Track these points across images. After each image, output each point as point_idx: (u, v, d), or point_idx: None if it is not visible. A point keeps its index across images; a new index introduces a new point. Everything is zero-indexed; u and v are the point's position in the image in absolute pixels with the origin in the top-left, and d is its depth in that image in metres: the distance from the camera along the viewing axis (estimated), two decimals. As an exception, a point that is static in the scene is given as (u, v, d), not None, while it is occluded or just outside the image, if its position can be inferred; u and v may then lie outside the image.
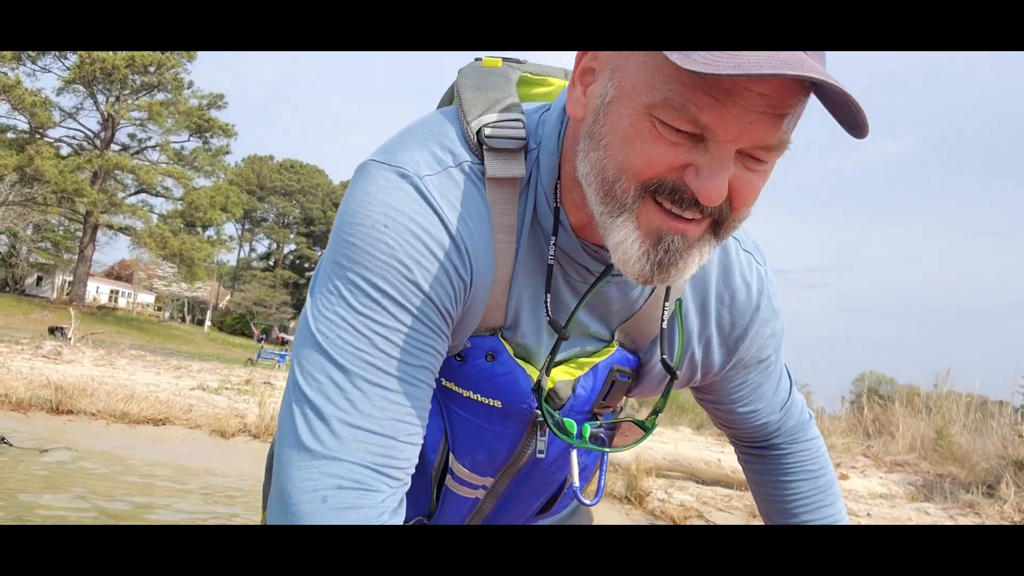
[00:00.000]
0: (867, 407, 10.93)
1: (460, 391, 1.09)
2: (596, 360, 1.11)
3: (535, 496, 1.27)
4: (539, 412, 1.07)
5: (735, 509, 6.11)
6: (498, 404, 1.09)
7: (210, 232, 52.75)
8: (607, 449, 1.14)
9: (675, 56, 0.77)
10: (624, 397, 1.20)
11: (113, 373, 10.31)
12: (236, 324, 64.41)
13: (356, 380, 0.90)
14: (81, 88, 45.47)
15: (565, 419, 1.10)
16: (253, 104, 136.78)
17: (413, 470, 0.94)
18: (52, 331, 22.19)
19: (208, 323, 63.24)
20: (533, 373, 1.07)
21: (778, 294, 1.20)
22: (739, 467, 5.49)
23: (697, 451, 7.47)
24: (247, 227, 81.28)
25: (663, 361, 1.09)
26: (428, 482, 1.18)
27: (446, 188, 0.96)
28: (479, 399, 1.09)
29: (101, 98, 46.36)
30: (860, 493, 7.13)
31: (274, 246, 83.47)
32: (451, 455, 1.16)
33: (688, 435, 9.69)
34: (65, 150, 47.07)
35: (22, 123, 44.48)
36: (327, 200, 79.59)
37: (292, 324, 72.00)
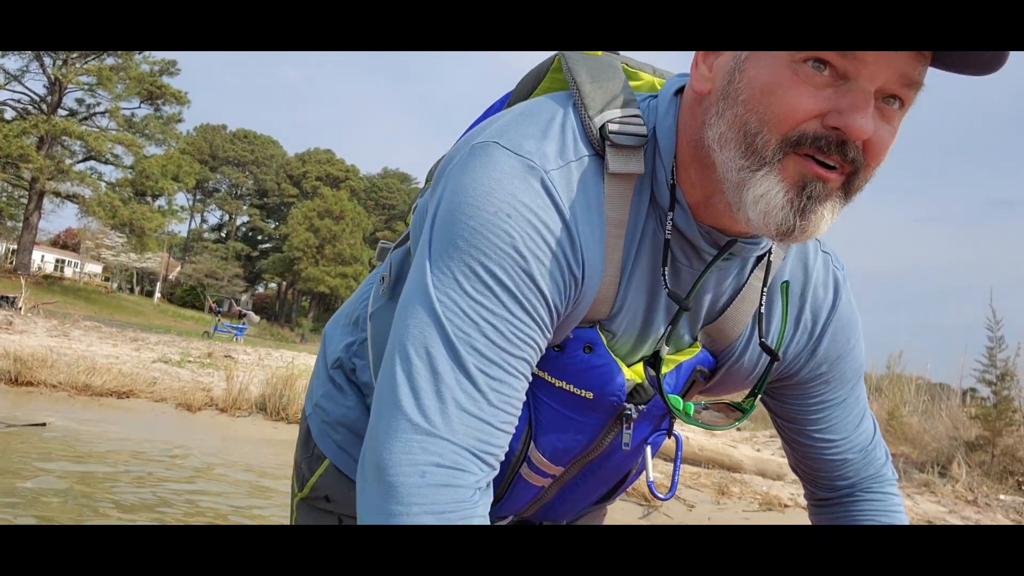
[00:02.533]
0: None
1: (553, 380, 1.10)
2: (681, 359, 1.13)
3: (599, 486, 1.29)
4: (627, 406, 1.11)
5: (704, 486, 6.23)
6: (589, 395, 1.10)
7: (161, 202, 51.75)
8: (708, 427, 1.16)
9: None
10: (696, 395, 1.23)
11: (70, 344, 10.10)
12: (186, 296, 63.40)
13: (466, 363, 0.91)
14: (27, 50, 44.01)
15: (671, 395, 1.12)
16: (206, 72, 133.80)
17: (503, 457, 0.96)
18: (-2, 300, 21.56)
19: (158, 295, 62.08)
20: (625, 369, 1.10)
21: (856, 309, 1.20)
22: (707, 446, 5.57)
23: (664, 429, 7.58)
24: (199, 198, 79.84)
25: (762, 344, 1.10)
26: (504, 469, 1.19)
27: (568, 183, 0.97)
28: (571, 389, 1.10)
29: (48, 61, 44.93)
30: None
31: (226, 217, 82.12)
32: (532, 443, 1.17)
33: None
34: (9, 114, 45.61)
35: (-36, 85, 42.99)
36: (281, 172, 78.44)
37: (243, 297, 71.14)
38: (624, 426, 1.13)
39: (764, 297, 1.10)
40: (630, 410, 1.11)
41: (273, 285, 77.59)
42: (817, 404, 1.22)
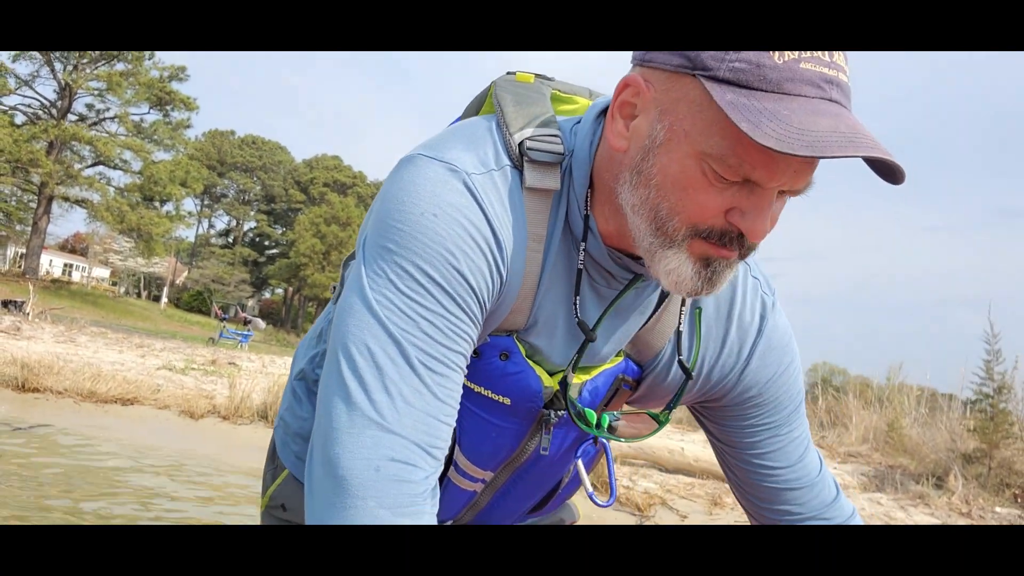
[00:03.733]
0: (821, 398, 11.18)
1: (471, 386, 1.14)
2: (604, 367, 1.18)
3: (532, 493, 1.32)
4: (545, 412, 1.14)
5: (697, 497, 6.29)
6: (507, 401, 1.14)
7: (169, 207, 51.84)
8: (622, 439, 1.19)
9: (745, 126, 0.83)
10: (624, 405, 1.26)
11: (76, 350, 10.20)
12: (193, 301, 63.43)
13: (409, 357, 0.94)
14: (37, 55, 44.24)
15: (586, 410, 1.15)
16: (215, 78, 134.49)
17: (447, 451, 0.98)
18: (5, 304, 21.60)
19: (165, 299, 62.20)
20: (542, 374, 1.13)
21: (790, 335, 1.23)
22: (702, 457, 5.56)
23: (661, 440, 7.63)
24: (206, 203, 79.91)
25: (680, 362, 1.15)
26: None
27: (490, 188, 1.01)
28: (489, 395, 1.14)
29: (58, 66, 45.06)
30: (816, 483, 7.32)
31: (234, 223, 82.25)
32: (456, 447, 1.21)
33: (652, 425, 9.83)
34: (20, 119, 45.85)
35: (-25, 90, 43.22)
36: (289, 178, 78.51)
37: (250, 302, 71.23)
38: (544, 431, 1.16)
39: (683, 316, 1.16)
40: (548, 416, 1.15)
41: (279, 291, 77.73)
42: (753, 428, 1.25)
